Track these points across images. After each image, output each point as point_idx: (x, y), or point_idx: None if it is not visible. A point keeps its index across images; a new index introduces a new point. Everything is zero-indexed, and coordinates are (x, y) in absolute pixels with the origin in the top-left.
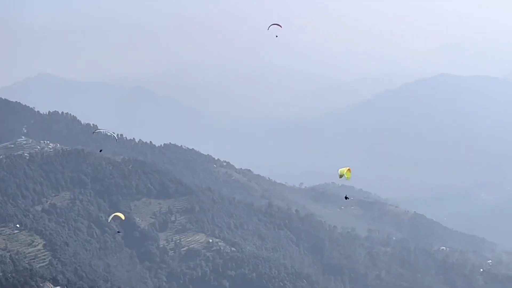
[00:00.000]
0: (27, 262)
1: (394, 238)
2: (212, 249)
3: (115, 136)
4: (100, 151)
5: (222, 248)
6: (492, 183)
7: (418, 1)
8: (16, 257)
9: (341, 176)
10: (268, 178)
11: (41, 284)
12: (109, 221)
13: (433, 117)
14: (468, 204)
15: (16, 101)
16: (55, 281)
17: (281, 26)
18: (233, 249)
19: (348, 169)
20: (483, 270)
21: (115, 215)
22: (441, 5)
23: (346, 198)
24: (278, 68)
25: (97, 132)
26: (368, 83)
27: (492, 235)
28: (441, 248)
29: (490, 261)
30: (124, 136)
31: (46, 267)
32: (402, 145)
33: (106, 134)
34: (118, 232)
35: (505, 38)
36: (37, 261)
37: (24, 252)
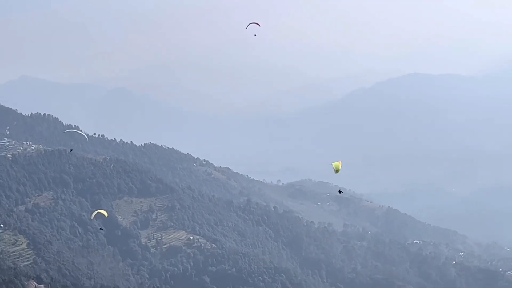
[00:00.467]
0: (11, 261)
1: (369, 232)
2: (193, 245)
3: (84, 135)
4: (71, 150)
5: (202, 244)
6: (462, 178)
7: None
8: (0, 256)
9: (337, 171)
10: (247, 175)
11: (25, 283)
12: (92, 218)
13: (405, 115)
14: (440, 198)
15: None
16: (39, 279)
17: (259, 25)
18: (213, 245)
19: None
20: (455, 262)
21: (98, 212)
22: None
23: (340, 192)
24: (257, 65)
25: (68, 131)
26: (343, 82)
27: (463, 228)
28: (415, 241)
29: (462, 253)
30: (105, 136)
31: (30, 265)
32: (375, 142)
33: (78, 133)
34: (101, 229)
35: (476, 37)
36: (21, 260)
37: (8, 251)
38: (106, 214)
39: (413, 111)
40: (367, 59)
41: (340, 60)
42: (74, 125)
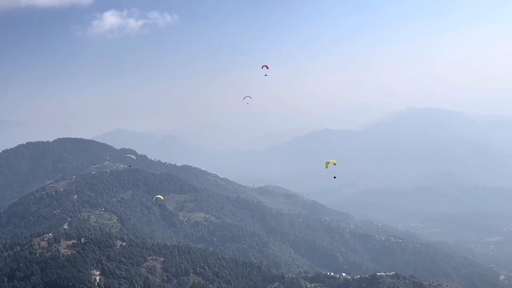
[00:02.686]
0: (108, 229)
1: (302, 214)
2: (208, 220)
3: (133, 157)
4: (129, 166)
5: (213, 220)
6: (348, 185)
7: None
8: (102, 227)
9: (328, 165)
10: (237, 182)
11: (115, 241)
12: (153, 199)
13: (318, 153)
14: (338, 195)
15: (103, 143)
16: (122, 239)
17: (268, 68)
18: (218, 220)
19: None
20: (348, 230)
21: (157, 197)
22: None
23: (334, 177)
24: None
25: (127, 156)
26: (288, 134)
27: (350, 212)
28: (326, 219)
29: (352, 225)
30: (161, 160)
31: (118, 231)
32: (305, 164)
33: (133, 158)
34: (159, 205)
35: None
36: (113, 228)
37: (106, 224)
38: (162, 198)
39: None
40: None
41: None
42: (144, 155)
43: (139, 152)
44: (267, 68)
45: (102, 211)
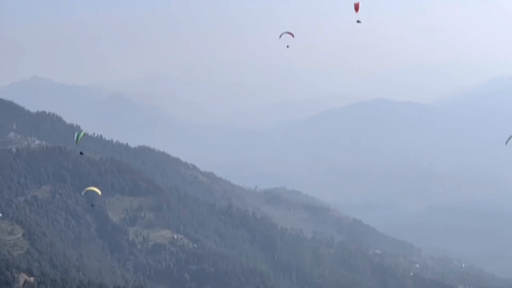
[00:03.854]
0: (6, 249)
1: (335, 240)
2: (177, 244)
3: (99, 192)
4: (81, 153)
5: (185, 244)
6: (414, 194)
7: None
8: None
9: None
10: (229, 180)
11: (15, 275)
12: (82, 193)
13: (369, 135)
14: (395, 212)
15: (9, 100)
16: (30, 272)
17: (293, 36)
18: (195, 245)
19: None
20: (412, 274)
21: (90, 189)
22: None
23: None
24: (241, 83)
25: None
26: (314, 102)
27: (417, 241)
28: (376, 251)
29: (418, 265)
30: (103, 136)
31: (23, 255)
32: (341, 156)
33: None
34: (92, 205)
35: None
36: (16, 248)
37: (5, 240)
38: (99, 192)
39: (376, 132)
40: (337, 83)
41: (313, 82)
42: (76, 125)
43: (70, 119)
44: (293, 36)
45: None
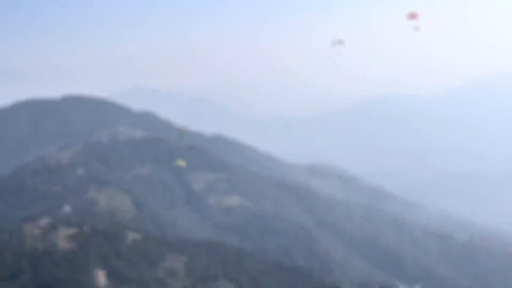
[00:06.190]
0: (119, 215)
1: (362, 202)
2: (243, 207)
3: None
4: (188, 148)
5: (249, 207)
6: (421, 165)
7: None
8: (112, 212)
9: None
10: (280, 158)
11: (127, 234)
12: (176, 164)
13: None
14: (405, 178)
15: (120, 103)
16: (137, 231)
17: (342, 43)
18: (257, 208)
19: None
20: (420, 226)
21: (178, 163)
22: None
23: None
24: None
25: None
26: (346, 97)
27: (421, 201)
28: (392, 210)
29: (424, 219)
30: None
31: (132, 218)
32: (369, 139)
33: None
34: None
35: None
36: (126, 214)
37: (119, 206)
38: (185, 165)
39: (396, 121)
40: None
41: (344, 80)
42: (167, 120)
43: (162, 116)
44: (342, 44)
45: (114, 190)
